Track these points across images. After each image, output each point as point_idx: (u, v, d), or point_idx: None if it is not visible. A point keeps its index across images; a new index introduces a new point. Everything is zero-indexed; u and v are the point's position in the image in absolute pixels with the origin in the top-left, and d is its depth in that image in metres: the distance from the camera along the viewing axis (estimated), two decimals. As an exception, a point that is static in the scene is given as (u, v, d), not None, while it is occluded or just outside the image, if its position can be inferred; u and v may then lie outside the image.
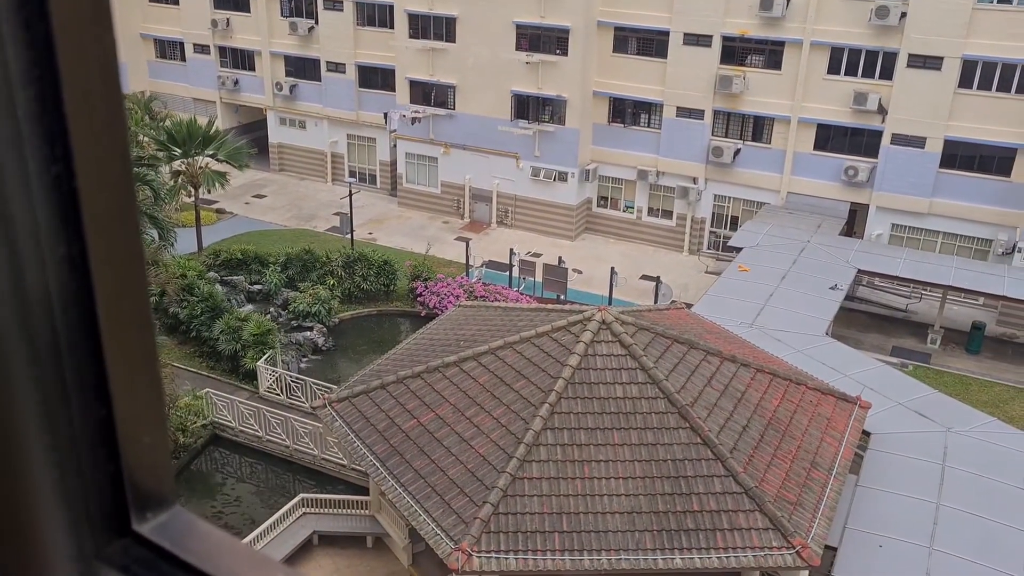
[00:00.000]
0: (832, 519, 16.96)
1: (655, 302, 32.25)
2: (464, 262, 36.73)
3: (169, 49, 52.41)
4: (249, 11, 48.39)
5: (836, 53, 36.65)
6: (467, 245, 37.80)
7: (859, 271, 32.91)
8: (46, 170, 0.88)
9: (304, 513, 21.25)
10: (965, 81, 34.61)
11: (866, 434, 20.93)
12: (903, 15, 34.55)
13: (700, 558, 15.46)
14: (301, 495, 21.75)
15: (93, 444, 0.95)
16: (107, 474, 0.97)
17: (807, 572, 16.23)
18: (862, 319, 34.26)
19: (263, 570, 0.98)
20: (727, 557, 15.51)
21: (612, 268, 34.79)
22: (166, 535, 1.00)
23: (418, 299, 33.91)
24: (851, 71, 36.62)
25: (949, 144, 35.40)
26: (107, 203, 0.91)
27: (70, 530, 0.96)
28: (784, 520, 15.81)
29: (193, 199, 36.97)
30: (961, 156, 35.56)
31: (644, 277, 37.55)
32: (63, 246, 0.90)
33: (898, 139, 36.15)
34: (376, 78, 46.25)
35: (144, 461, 1.00)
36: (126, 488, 0.98)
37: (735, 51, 38.26)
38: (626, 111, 41.26)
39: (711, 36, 38.04)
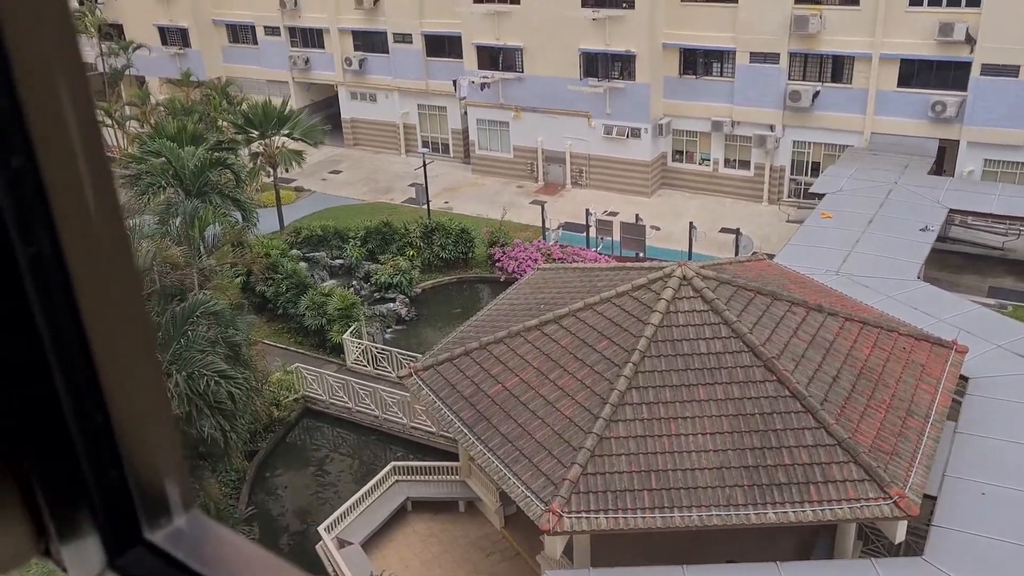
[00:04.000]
0: (930, 468, 16.49)
1: (736, 254, 31.65)
2: (540, 225, 36.65)
3: (241, 33, 53.33)
4: (315, -11, 48.81)
5: (918, -17, 34.94)
6: (542, 208, 37.67)
7: (951, 210, 31.60)
8: (4, 164, 0.82)
9: (396, 481, 21.73)
10: (1060, 2, 32.62)
11: (963, 379, 20.20)
12: (989, -63, 32.68)
13: (794, 512, 15.24)
14: (392, 463, 22.24)
15: (93, 452, 0.91)
16: (113, 482, 0.93)
17: (906, 523, 15.85)
18: (956, 260, 32.95)
19: None
20: (822, 510, 15.26)
21: (691, 222, 34.22)
22: (180, 543, 0.96)
23: (496, 265, 34.04)
24: (935, 1, 34.89)
25: (1045, 70, 33.52)
26: (77, 194, 0.86)
27: (79, 540, 0.93)
28: (880, 470, 15.44)
29: (272, 179, 37.76)
30: (1058, 82, 33.65)
31: (723, 230, 36.85)
32: (33, 244, 0.85)
33: (988, 69, 34.37)
34: (443, 46, 46.20)
35: (152, 467, 0.95)
36: (133, 496, 0.94)
37: (809, -10, 36.84)
38: (697, 61, 40.27)
39: (783, -24, 36.71)
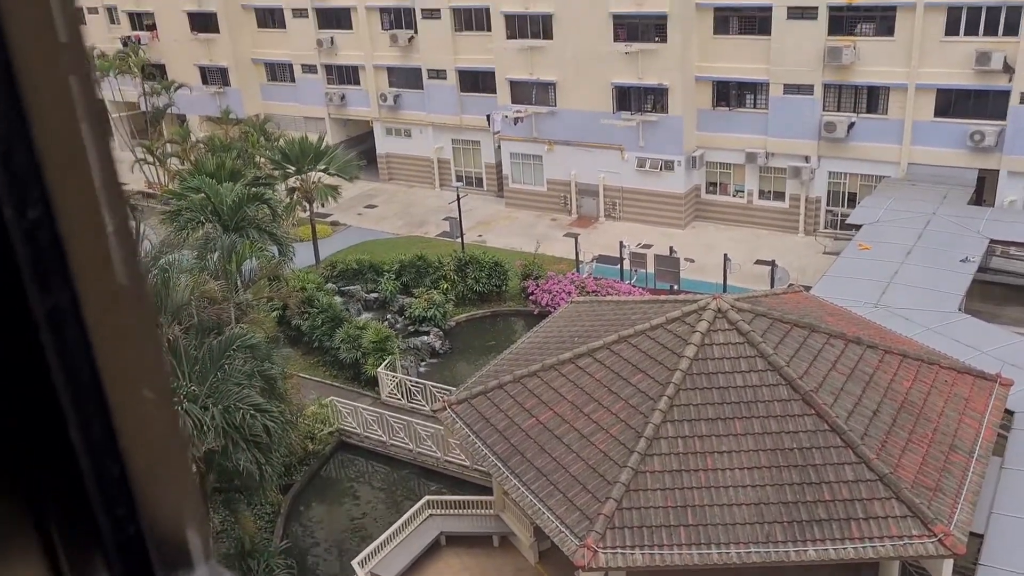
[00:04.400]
0: (976, 504, 16.06)
1: (771, 287, 31.34)
2: (574, 258, 36.64)
3: (279, 71, 54.40)
4: (351, 27, 49.71)
5: (954, 12, 34.73)
6: (576, 241, 37.68)
7: (992, 241, 31.07)
8: (21, 214, 0.82)
9: (431, 515, 21.63)
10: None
11: (1009, 413, 19.72)
12: (1025, -34, 32.44)
13: (835, 549, 14.91)
14: (426, 497, 22.15)
15: (109, 504, 0.90)
16: (129, 533, 0.91)
17: (952, 561, 15.43)
18: (998, 291, 32.31)
19: None
20: (864, 547, 14.90)
21: (725, 254, 34.01)
22: None
23: (530, 298, 34.04)
24: (971, 30, 34.63)
25: (1086, 99, 33.03)
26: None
27: None
28: (923, 507, 15.07)
29: (308, 213, 38.23)
30: (1100, 111, 33.12)
31: (759, 262, 36.54)
32: (50, 296, 0.83)
33: (1028, 98, 33.95)
34: (477, 81, 46.71)
35: (169, 518, 0.94)
36: (149, 547, 0.92)
37: (843, 20, 36.78)
38: (730, 93, 40.28)
39: (816, 7, 36.68)
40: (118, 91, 56.10)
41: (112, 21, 59.41)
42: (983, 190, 36.61)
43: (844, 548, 14.88)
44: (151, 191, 48.40)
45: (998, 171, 35.53)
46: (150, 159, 46.90)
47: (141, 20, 57.83)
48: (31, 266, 0.83)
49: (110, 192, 0.86)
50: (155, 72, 55.06)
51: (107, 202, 0.86)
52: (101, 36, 59.01)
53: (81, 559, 0.92)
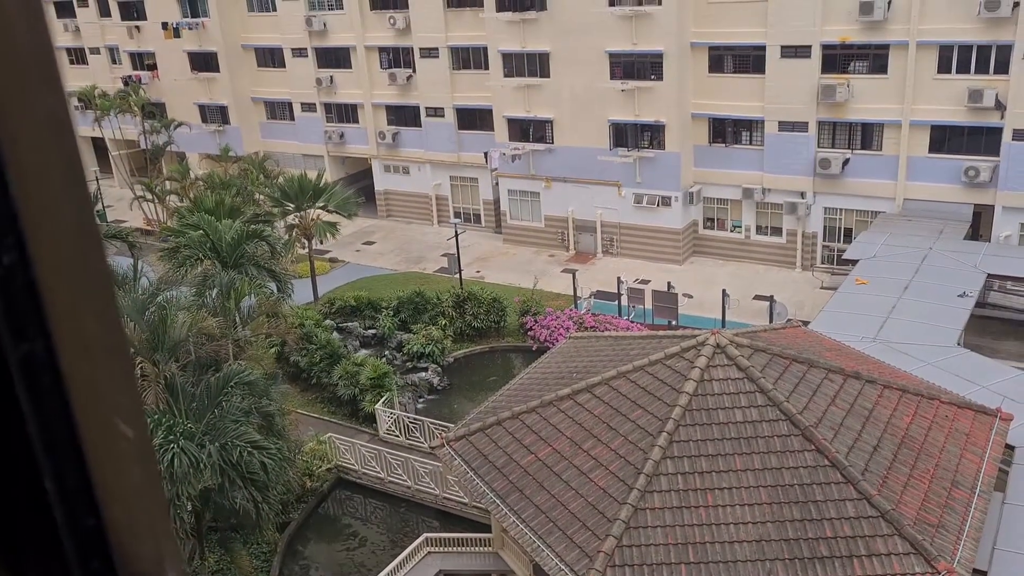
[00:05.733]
0: (979, 540, 15.93)
1: (770, 322, 31.36)
2: (572, 294, 36.68)
3: (279, 110, 54.87)
4: (351, 67, 50.24)
5: (945, 51, 35.19)
6: (574, 277, 37.76)
7: (989, 275, 31.17)
8: None
9: (429, 552, 21.43)
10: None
11: (1010, 448, 19.64)
12: (1016, 5, 32.92)
13: (837, 586, 14.74)
14: (425, 534, 21.95)
15: (83, 555, 0.86)
16: None
17: (956, 598, 15.25)
18: (996, 326, 32.36)
19: None
20: (866, 585, 14.74)
21: (723, 290, 34.07)
22: None
23: (528, 333, 34.01)
24: (963, 68, 35.06)
25: (1078, 135, 33.36)
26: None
27: None
28: (926, 544, 14.94)
29: (307, 250, 38.32)
30: (1093, 146, 33.42)
31: (757, 297, 36.61)
32: (25, 342, 0.81)
33: (1021, 134, 34.28)
34: (474, 119, 47.11)
35: (147, 571, 0.90)
36: None
37: (836, 59, 37.24)
38: (727, 130, 40.63)
39: (810, 46, 37.16)
40: (119, 129, 56.50)
41: (114, 61, 60.06)
42: (979, 225, 36.80)
43: (847, 586, 14.72)
44: (150, 228, 48.54)
45: (993, 206, 35.75)
46: (149, 196, 47.10)
47: (142, 60, 58.43)
48: (5, 312, 0.81)
49: (85, 238, 0.85)
50: (155, 111, 55.51)
51: (81, 248, 0.85)
52: (103, 76, 59.59)
53: None
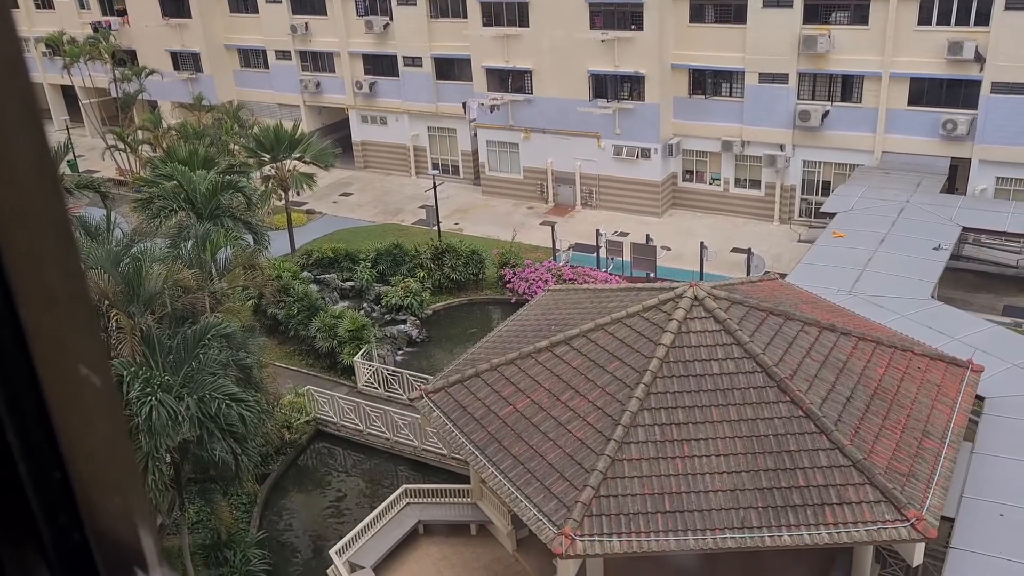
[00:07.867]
0: (948, 489, 16.28)
1: (747, 274, 31.53)
2: (551, 246, 36.65)
3: (252, 58, 53.82)
4: (326, 13, 49.25)
5: (926, 2, 35.01)
6: (553, 229, 37.69)
7: (964, 228, 31.44)
8: None
9: (408, 503, 21.61)
10: (1070, 20, 32.58)
11: (980, 399, 20.00)
12: (997, -44, 32.72)
13: (809, 535, 15.05)
14: (404, 486, 22.12)
15: (50, 511, 0.85)
16: (73, 542, 0.86)
17: (924, 545, 15.63)
18: (970, 279, 32.74)
19: None
20: (838, 532, 15.06)
21: (702, 243, 34.17)
22: None
23: (507, 286, 34.02)
24: (943, 20, 34.93)
25: (1056, 88, 33.44)
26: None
27: None
28: (896, 492, 15.25)
29: (284, 202, 37.92)
30: (1070, 100, 33.53)
31: (735, 250, 36.76)
32: None
33: (999, 87, 34.32)
34: (453, 69, 46.49)
35: (115, 526, 0.89)
36: (96, 556, 0.87)
37: (818, 9, 36.96)
38: (707, 82, 40.38)
39: (791, -4, 36.83)
40: (88, 77, 55.28)
41: (82, 6, 58.46)
42: (955, 178, 37.00)
43: (818, 533, 15.03)
44: (122, 178, 47.80)
45: (970, 160, 35.92)
46: (121, 146, 46.27)
47: (112, 5, 56.97)
48: None
49: (45, 182, 0.82)
50: (126, 58, 54.32)
51: (43, 193, 0.82)
52: (71, 21, 58.06)
53: (23, 569, 0.87)
